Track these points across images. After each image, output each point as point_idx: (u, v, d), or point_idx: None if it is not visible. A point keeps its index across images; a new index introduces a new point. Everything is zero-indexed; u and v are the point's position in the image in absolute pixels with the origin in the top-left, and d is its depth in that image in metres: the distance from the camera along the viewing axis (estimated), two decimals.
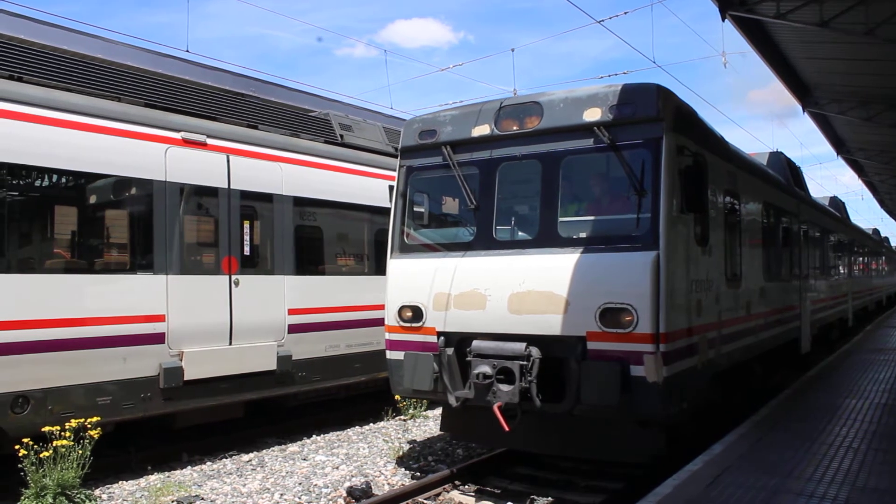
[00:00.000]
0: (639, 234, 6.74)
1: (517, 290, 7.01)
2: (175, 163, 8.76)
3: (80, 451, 6.88)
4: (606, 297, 6.61)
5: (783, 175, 13.91)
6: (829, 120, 19.88)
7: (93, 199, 8.30)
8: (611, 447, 7.19)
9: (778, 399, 10.03)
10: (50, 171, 7.75)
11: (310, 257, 10.53)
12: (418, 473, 8.47)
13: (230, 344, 9.17)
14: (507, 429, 6.67)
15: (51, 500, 6.68)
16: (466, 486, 7.83)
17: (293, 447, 9.80)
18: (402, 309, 7.77)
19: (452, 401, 7.27)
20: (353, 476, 8.34)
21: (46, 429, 6.86)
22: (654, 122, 6.83)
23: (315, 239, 10.70)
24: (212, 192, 9.22)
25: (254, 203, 9.76)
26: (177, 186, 8.78)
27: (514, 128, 7.52)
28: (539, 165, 7.36)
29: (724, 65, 25.47)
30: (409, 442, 10.09)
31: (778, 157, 14.67)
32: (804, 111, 18.24)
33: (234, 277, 9.29)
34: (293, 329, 9.99)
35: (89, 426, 7.00)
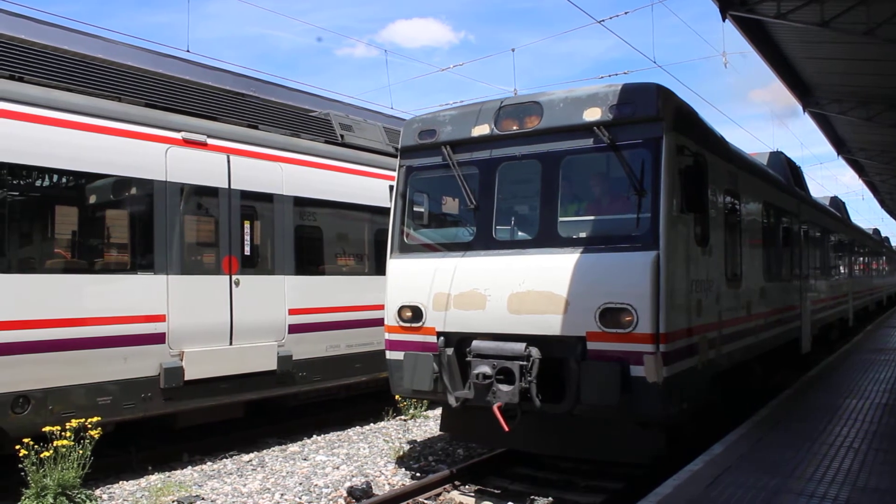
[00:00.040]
0: (639, 234, 6.73)
1: (517, 290, 7.01)
2: (175, 163, 8.77)
3: (81, 451, 6.88)
4: (606, 297, 6.60)
5: (783, 175, 13.90)
6: (829, 120, 19.87)
7: (93, 199, 8.30)
8: (611, 447, 7.19)
9: (778, 399, 10.02)
10: (50, 171, 7.75)
11: (310, 257, 10.53)
12: (419, 473, 8.47)
13: (231, 344, 9.17)
14: (506, 429, 6.67)
15: (51, 500, 6.68)
16: (467, 487, 7.83)
17: (294, 447, 9.80)
18: (401, 309, 7.77)
19: (452, 401, 7.26)
20: (353, 476, 8.34)
21: (47, 429, 6.86)
22: (653, 122, 6.82)
23: (315, 239, 10.70)
24: (212, 192, 9.22)
25: (254, 203, 9.77)
26: (177, 186, 8.78)
27: (514, 127, 7.51)
28: (539, 165, 7.36)
29: (724, 65, 25.46)
30: (410, 442, 10.09)
31: (778, 157, 14.66)
32: (805, 111, 18.25)
33: (234, 277, 9.29)
34: (293, 329, 9.99)
35: (90, 426, 7.00)
